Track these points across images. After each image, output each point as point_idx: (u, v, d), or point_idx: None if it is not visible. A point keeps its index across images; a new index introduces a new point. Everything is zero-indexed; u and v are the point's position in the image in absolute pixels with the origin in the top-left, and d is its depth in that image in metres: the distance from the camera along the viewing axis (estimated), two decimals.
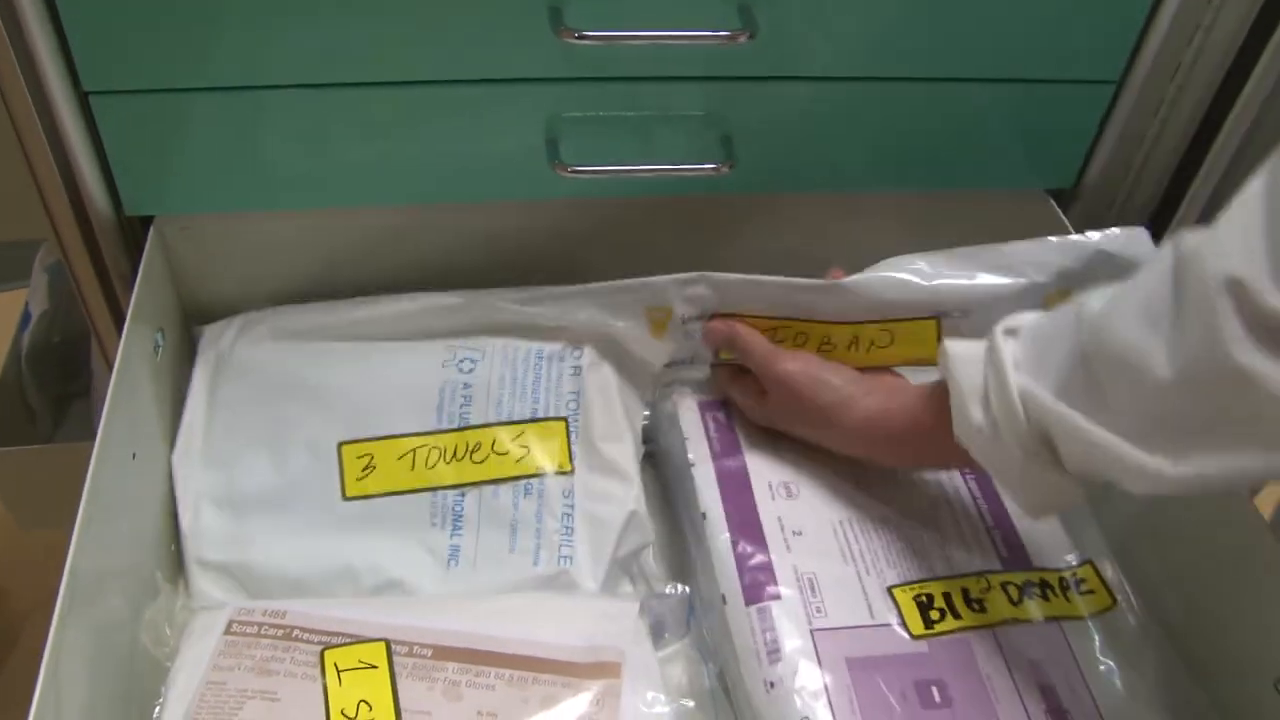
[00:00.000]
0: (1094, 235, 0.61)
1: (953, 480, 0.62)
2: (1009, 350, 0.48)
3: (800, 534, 0.57)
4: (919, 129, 0.65)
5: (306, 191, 0.62)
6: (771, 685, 0.51)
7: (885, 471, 0.61)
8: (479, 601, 0.56)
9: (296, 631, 0.53)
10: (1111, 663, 0.54)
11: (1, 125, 0.55)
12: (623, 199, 0.65)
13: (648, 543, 0.60)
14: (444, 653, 0.52)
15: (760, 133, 0.63)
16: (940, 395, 0.52)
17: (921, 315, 0.62)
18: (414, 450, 0.60)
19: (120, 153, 0.58)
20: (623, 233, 0.67)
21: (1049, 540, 0.59)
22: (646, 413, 0.66)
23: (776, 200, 0.67)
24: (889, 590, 0.55)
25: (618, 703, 0.51)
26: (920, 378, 0.60)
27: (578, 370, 0.63)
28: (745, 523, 0.57)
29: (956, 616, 0.54)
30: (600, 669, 0.52)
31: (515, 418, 0.61)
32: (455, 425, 0.61)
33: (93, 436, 0.69)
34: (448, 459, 0.60)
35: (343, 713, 0.50)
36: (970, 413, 0.49)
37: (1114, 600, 0.57)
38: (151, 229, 0.62)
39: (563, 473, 0.60)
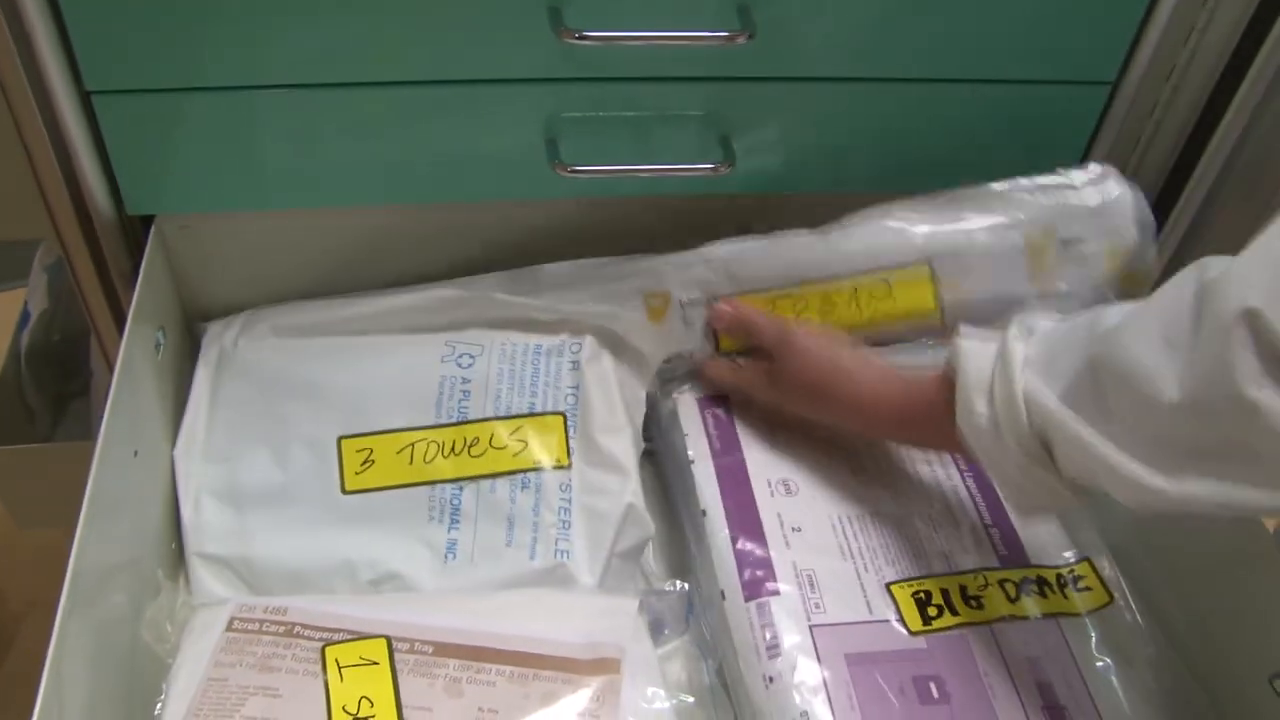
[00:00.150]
0: (1068, 174, 0.63)
1: (951, 479, 0.62)
2: (1021, 349, 0.48)
3: (799, 530, 0.57)
4: (916, 129, 0.65)
5: (308, 191, 0.62)
6: (770, 680, 0.51)
7: (884, 469, 0.62)
8: (480, 598, 0.56)
9: (298, 628, 0.53)
10: (1108, 659, 0.55)
11: (4, 124, 0.55)
12: (622, 199, 0.66)
13: (647, 536, 0.60)
14: (445, 649, 0.53)
15: (759, 133, 0.63)
16: (947, 381, 0.52)
17: (913, 261, 0.63)
18: (412, 445, 0.60)
19: (122, 152, 0.58)
20: (622, 232, 0.67)
21: (1047, 538, 0.60)
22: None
23: (775, 200, 0.68)
24: (887, 587, 0.55)
25: (618, 699, 0.51)
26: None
27: (576, 364, 0.63)
28: (745, 519, 0.57)
29: (954, 613, 0.55)
30: (600, 665, 0.52)
31: (513, 412, 0.61)
32: (454, 420, 0.61)
33: (91, 436, 0.69)
34: (446, 453, 0.60)
35: (344, 709, 0.50)
36: (975, 405, 0.49)
37: (1111, 597, 0.57)
38: (153, 228, 0.62)
39: (560, 467, 0.60)
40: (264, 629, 0.53)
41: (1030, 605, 0.56)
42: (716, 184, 0.64)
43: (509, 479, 0.59)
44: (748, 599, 0.54)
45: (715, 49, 0.58)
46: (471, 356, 0.63)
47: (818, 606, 0.54)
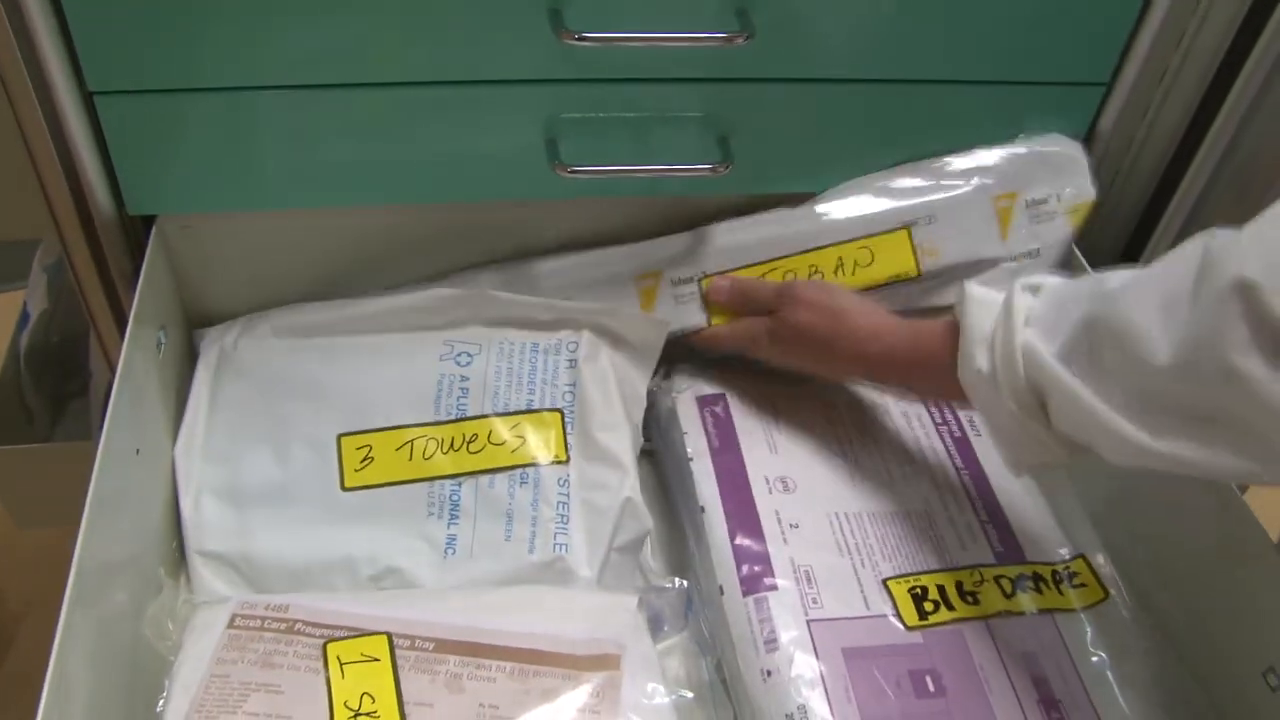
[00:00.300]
0: (1029, 141, 0.67)
1: (947, 475, 0.63)
2: (1024, 304, 0.49)
3: (797, 527, 0.58)
4: (912, 130, 0.66)
5: (309, 191, 0.62)
6: (768, 674, 0.51)
7: (881, 467, 0.62)
8: (480, 595, 0.57)
9: (299, 625, 0.53)
10: (1103, 654, 0.55)
11: (6, 125, 0.55)
12: (621, 199, 0.66)
13: (645, 531, 0.61)
14: (445, 646, 0.53)
15: (757, 134, 0.63)
16: (952, 330, 0.53)
17: (892, 228, 0.66)
18: (412, 441, 0.60)
19: (123, 152, 0.58)
20: (621, 233, 0.68)
21: (1042, 534, 0.60)
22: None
23: (773, 200, 0.68)
24: (884, 582, 0.56)
25: (617, 694, 0.51)
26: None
27: (573, 362, 0.64)
28: (743, 516, 0.58)
29: (950, 608, 0.55)
30: (600, 661, 0.53)
31: (512, 409, 0.62)
32: (453, 417, 0.61)
33: (90, 436, 0.69)
34: (445, 450, 0.60)
35: (346, 705, 0.50)
36: (975, 357, 0.50)
37: (1106, 593, 0.58)
38: (154, 228, 0.62)
39: (558, 462, 0.60)
40: (265, 626, 0.53)
41: (1026, 601, 0.56)
42: (715, 184, 0.64)
43: (507, 474, 0.60)
44: (746, 594, 0.54)
45: (714, 50, 0.58)
46: (470, 354, 0.63)
47: (815, 602, 0.54)
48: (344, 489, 0.59)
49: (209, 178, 0.60)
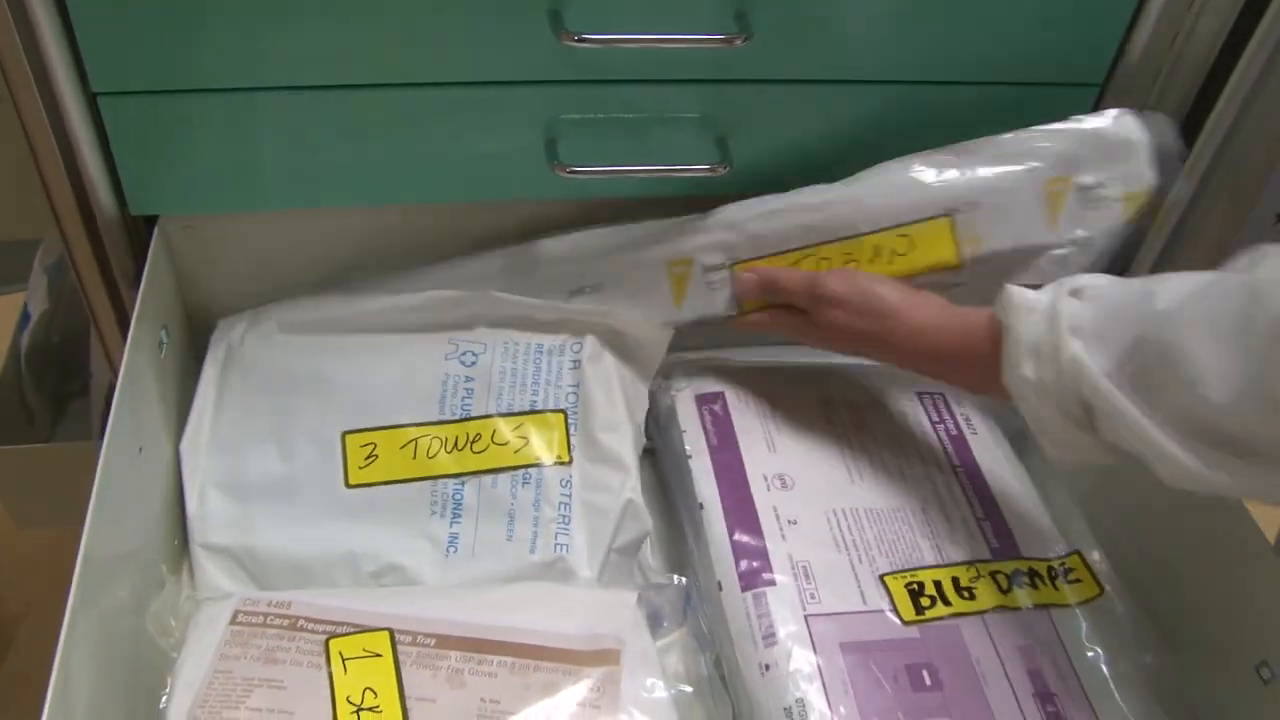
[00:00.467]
0: (1083, 119, 0.63)
1: (944, 473, 0.63)
2: (1070, 312, 0.49)
3: (795, 523, 0.58)
4: (910, 131, 0.66)
5: (310, 192, 0.63)
6: (766, 668, 0.52)
7: (879, 465, 0.63)
8: (481, 591, 0.57)
9: (301, 621, 0.54)
10: (1099, 649, 0.56)
11: (10, 125, 0.55)
12: (620, 199, 0.66)
13: (645, 532, 0.61)
14: (447, 641, 0.53)
15: (755, 134, 0.64)
16: (994, 331, 0.52)
17: (932, 215, 0.63)
18: (415, 440, 0.61)
19: (126, 153, 0.58)
20: None
21: (1038, 531, 0.61)
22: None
23: None
24: (881, 578, 0.56)
25: (617, 689, 0.52)
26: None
27: (577, 363, 0.64)
28: (741, 512, 0.58)
29: (947, 603, 0.56)
30: (600, 656, 0.53)
31: (515, 409, 0.62)
32: (457, 416, 0.62)
33: (91, 436, 0.70)
34: (448, 449, 0.61)
35: (348, 700, 0.50)
36: (1021, 364, 0.50)
37: (1102, 589, 0.58)
38: (156, 228, 0.63)
39: (561, 463, 0.61)
40: (268, 622, 0.54)
41: (1021, 596, 0.57)
42: (713, 185, 0.64)
43: (510, 474, 0.60)
44: (744, 589, 0.55)
45: (713, 51, 0.59)
46: (475, 354, 0.64)
47: (813, 597, 0.55)
48: (348, 486, 0.60)
49: (211, 178, 0.61)
